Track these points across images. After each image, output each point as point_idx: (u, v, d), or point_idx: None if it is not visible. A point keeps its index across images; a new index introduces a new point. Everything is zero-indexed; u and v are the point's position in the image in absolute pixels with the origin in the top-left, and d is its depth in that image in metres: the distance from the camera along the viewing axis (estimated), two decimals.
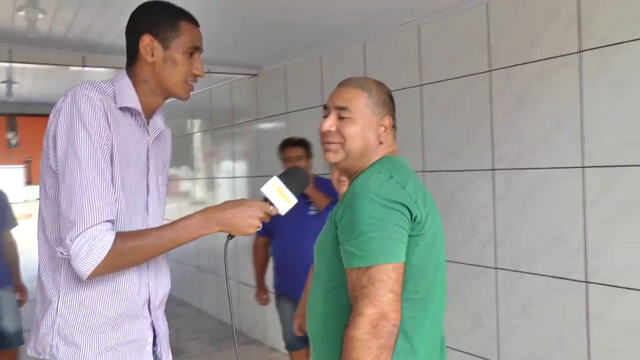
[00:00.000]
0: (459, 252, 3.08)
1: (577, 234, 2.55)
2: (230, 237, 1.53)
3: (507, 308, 2.86)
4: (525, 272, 2.77)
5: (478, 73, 2.96)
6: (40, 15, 3.02)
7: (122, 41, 3.71)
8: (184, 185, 6.60)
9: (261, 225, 1.51)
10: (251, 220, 1.48)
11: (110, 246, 1.36)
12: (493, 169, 2.91)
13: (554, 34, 2.62)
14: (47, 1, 2.88)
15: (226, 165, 5.46)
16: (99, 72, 4.63)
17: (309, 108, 4.19)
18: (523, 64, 2.75)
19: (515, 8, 2.78)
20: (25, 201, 15.97)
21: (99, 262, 1.35)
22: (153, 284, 1.59)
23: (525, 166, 2.76)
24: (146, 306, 1.57)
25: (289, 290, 3.34)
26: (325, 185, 3.25)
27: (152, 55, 1.52)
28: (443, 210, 3.09)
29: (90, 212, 1.36)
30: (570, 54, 2.56)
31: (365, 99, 1.53)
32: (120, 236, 1.39)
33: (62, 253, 1.39)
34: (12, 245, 3.91)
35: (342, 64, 3.90)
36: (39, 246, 1.52)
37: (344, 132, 1.50)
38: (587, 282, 2.52)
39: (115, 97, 1.50)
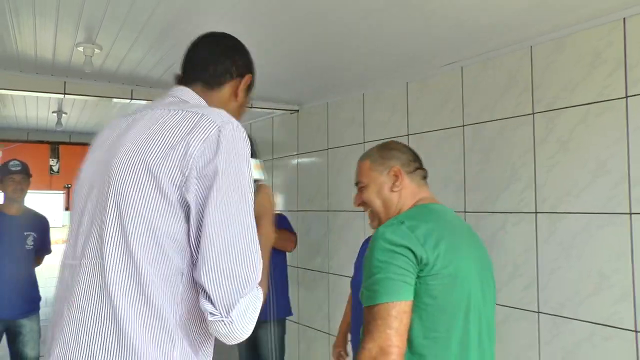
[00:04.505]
0: (499, 295, 3.05)
1: (623, 281, 2.51)
2: None
3: (550, 354, 2.80)
4: (570, 318, 2.72)
5: (521, 115, 2.97)
6: (97, 51, 3.15)
7: (168, 76, 3.85)
8: None
9: None
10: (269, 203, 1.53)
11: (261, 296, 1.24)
12: (536, 212, 2.89)
13: (599, 77, 2.63)
14: (104, 38, 3.01)
15: None
16: (143, 104, 4.78)
17: (350, 145, 4.24)
18: (567, 107, 2.75)
19: (559, 51, 2.79)
20: (63, 226, 16.40)
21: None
22: None
23: (570, 210, 2.73)
24: None
25: None
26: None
27: (238, 96, 1.51)
28: None
29: (259, 266, 1.21)
30: (616, 98, 2.55)
31: (369, 164, 1.76)
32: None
33: (213, 314, 1.15)
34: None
35: (384, 102, 3.95)
36: (124, 316, 1.15)
37: (365, 199, 1.74)
38: (636, 331, 2.46)
39: None
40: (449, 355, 1.47)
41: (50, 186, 19.06)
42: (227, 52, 1.50)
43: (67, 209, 19.08)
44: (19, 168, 3.91)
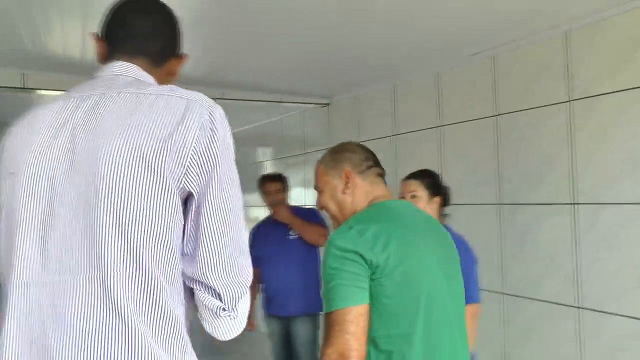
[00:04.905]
0: (536, 289, 2.95)
1: None
2: None
3: (592, 352, 2.69)
4: (611, 313, 2.61)
5: (557, 103, 2.86)
6: None
7: (196, 73, 3.84)
8: (255, 212, 6.68)
9: None
10: None
11: None
12: (573, 203, 2.78)
13: (638, 62, 2.50)
14: None
15: (297, 193, 5.49)
16: (83, 85, 4.79)
17: (381, 138, 4.18)
18: (606, 93, 2.63)
19: (595, 36, 2.67)
20: None
21: None
22: None
23: (611, 200, 2.62)
24: None
25: (277, 310, 3.81)
26: (301, 213, 3.84)
27: (175, 75, 1.34)
28: (518, 244, 2.98)
29: (249, 257, 1.17)
30: None
31: (322, 169, 1.80)
32: None
33: (224, 310, 1.11)
34: None
35: (415, 93, 3.87)
36: (139, 332, 1.02)
37: (322, 203, 1.79)
38: None
39: None
40: (414, 351, 1.49)
41: None
42: (172, 25, 1.31)
43: None
44: None
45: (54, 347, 1.02)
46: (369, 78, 4.04)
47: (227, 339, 1.17)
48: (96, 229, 1.03)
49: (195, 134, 1.07)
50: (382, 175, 1.77)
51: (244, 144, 6.46)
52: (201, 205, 1.08)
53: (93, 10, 2.62)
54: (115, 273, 1.02)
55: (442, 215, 2.55)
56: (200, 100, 1.12)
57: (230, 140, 1.14)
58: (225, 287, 1.10)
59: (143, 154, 1.05)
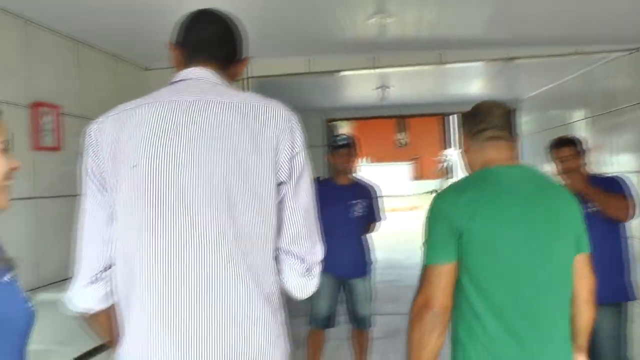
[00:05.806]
0: None
1: None
2: None
3: None
4: None
5: None
6: (389, 20, 3.08)
7: (472, 34, 3.56)
8: None
9: None
10: None
11: None
12: None
13: None
14: (392, 5, 2.93)
15: (620, 159, 4.72)
16: (458, 68, 4.60)
17: None
18: None
19: None
20: (413, 194, 18.01)
21: None
22: None
23: None
24: None
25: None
26: (602, 182, 3.30)
27: (236, 76, 1.59)
28: None
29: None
30: None
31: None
32: None
33: (308, 270, 1.46)
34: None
35: None
36: (242, 293, 1.33)
37: None
38: None
39: None
40: (492, 306, 1.60)
41: (397, 158, 20.88)
42: (236, 33, 1.54)
43: (416, 178, 20.81)
44: (345, 142, 4.19)
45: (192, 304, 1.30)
46: None
47: (306, 297, 1.47)
48: (236, 214, 1.32)
49: (286, 134, 1.38)
50: (497, 137, 1.75)
51: (539, 108, 5.90)
52: (287, 192, 1.39)
53: None
54: (259, 247, 1.36)
55: None
56: (281, 106, 1.42)
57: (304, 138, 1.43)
58: (307, 254, 1.43)
59: (257, 150, 1.34)
